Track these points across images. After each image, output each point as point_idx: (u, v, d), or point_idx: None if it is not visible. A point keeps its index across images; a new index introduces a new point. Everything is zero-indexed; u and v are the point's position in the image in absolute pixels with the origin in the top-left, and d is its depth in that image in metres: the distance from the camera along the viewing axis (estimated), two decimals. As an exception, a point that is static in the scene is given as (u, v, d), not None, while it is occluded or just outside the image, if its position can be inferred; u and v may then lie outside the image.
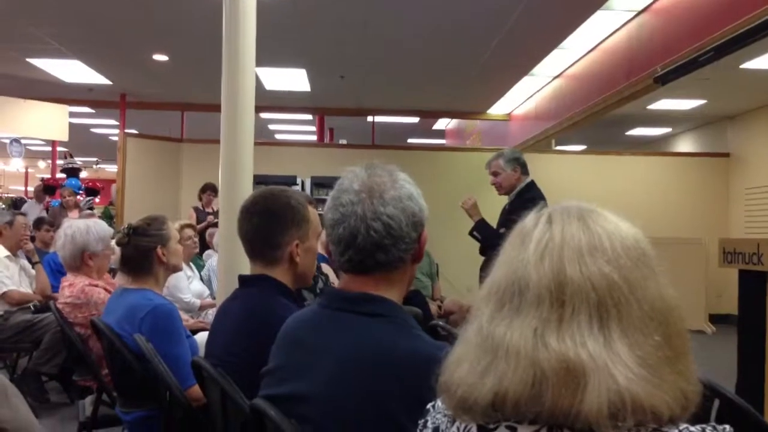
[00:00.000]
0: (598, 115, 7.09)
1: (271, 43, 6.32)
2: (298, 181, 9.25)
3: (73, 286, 2.94)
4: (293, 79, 8.34)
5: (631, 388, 0.72)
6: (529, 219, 0.87)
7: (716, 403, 1.61)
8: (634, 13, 5.88)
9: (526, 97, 9.15)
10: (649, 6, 5.68)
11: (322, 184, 9.08)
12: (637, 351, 0.74)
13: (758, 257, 3.90)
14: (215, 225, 5.60)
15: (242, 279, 1.88)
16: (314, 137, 12.01)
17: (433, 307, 5.85)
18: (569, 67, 7.60)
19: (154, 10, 6.05)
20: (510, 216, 4.04)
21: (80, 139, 13.10)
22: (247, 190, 3.41)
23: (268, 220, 1.82)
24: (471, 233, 4.25)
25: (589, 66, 7.10)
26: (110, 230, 2.99)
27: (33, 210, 8.87)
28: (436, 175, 9.42)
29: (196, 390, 1.95)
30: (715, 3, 4.66)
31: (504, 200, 4.32)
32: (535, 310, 0.77)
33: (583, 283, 0.77)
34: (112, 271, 3.80)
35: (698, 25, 4.83)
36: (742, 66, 6.63)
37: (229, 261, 3.23)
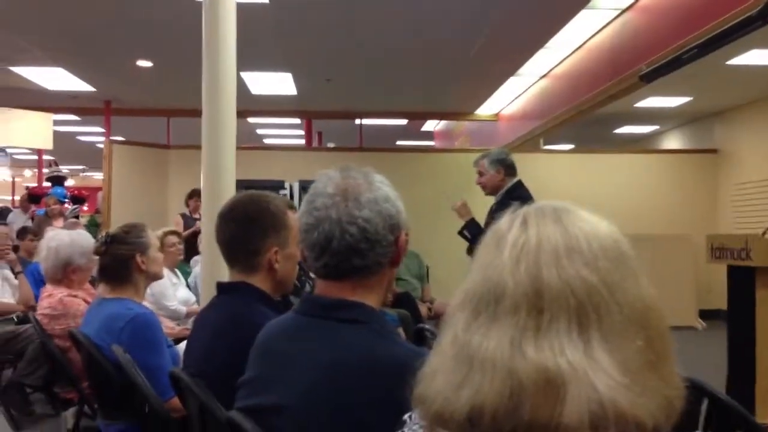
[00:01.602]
0: (585, 114, 7.09)
1: (256, 47, 6.28)
2: (286, 185, 9.20)
3: (51, 296, 2.88)
4: (279, 83, 8.30)
5: (613, 397, 0.68)
6: (504, 221, 0.83)
7: (705, 402, 1.59)
8: (619, 12, 5.88)
9: (513, 97, 9.15)
10: (633, 4, 5.68)
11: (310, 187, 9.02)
12: (618, 357, 0.71)
13: (746, 253, 3.90)
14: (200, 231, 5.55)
15: (220, 286, 1.84)
16: (303, 141, 11.97)
17: (423, 308, 5.83)
18: (555, 66, 7.61)
19: (137, 16, 6.00)
20: (493, 216, 4.03)
21: (66, 147, 13.01)
22: (229, 196, 3.36)
23: (246, 225, 1.78)
24: (461, 232, 4.23)
25: (575, 65, 7.10)
26: (93, 243, 2.94)
27: (18, 219, 8.78)
28: (425, 176, 9.39)
29: (176, 401, 1.91)
30: (698, 1, 4.66)
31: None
32: (512, 318, 0.74)
33: (561, 288, 0.73)
34: (95, 280, 3.74)
35: (682, 22, 4.83)
36: (728, 62, 6.63)
37: (211, 267, 3.18)
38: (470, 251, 4.19)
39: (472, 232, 4.13)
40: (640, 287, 0.77)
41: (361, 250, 1.22)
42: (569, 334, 0.71)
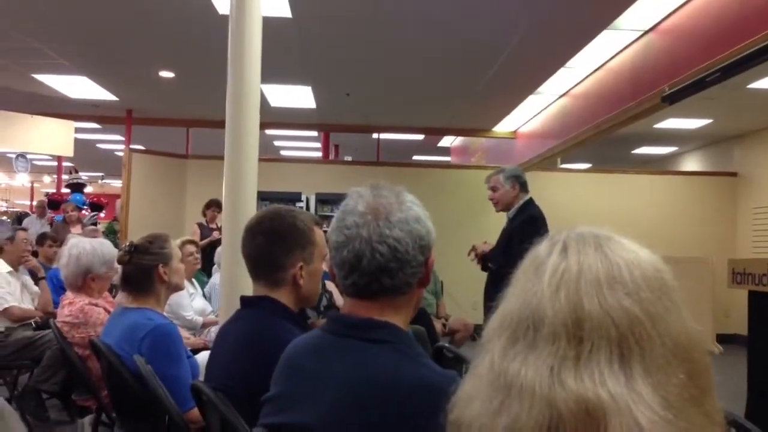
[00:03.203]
0: (604, 134, 7.06)
1: (277, 60, 6.33)
2: (303, 197, 9.23)
3: (72, 304, 2.90)
4: (299, 96, 8.35)
5: (656, 431, 0.67)
6: (543, 247, 0.82)
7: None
8: (640, 33, 5.87)
9: (531, 115, 9.13)
10: (655, 26, 5.67)
11: (327, 200, 9.05)
12: (661, 391, 0.69)
13: (768, 279, 3.86)
14: (219, 241, 5.58)
15: (244, 300, 1.84)
16: (320, 153, 12.02)
17: (438, 325, 5.80)
18: (575, 85, 7.59)
19: (161, 27, 6.07)
20: (512, 234, 4.03)
21: (86, 154, 13.14)
22: (251, 207, 3.39)
23: (273, 240, 1.78)
24: (485, 268, 4.21)
25: (596, 85, 7.09)
26: (115, 252, 2.96)
27: (34, 225, 8.86)
28: (441, 192, 9.40)
29: (195, 413, 1.91)
30: (721, 24, 4.64)
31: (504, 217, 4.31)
32: (551, 347, 0.73)
33: (602, 318, 0.72)
34: (114, 288, 3.76)
35: (705, 45, 4.81)
36: (749, 86, 6.60)
37: (231, 278, 3.20)
38: (485, 268, 4.18)
39: (494, 259, 4.11)
40: (683, 319, 0.76)
41: (390, 269, 1.22)
42: (610, 365, 0.70)
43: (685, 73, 4.98)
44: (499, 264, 4.01)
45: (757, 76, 6.17)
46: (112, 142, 12.91)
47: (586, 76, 7.21)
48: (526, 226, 3.95)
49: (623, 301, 0.73)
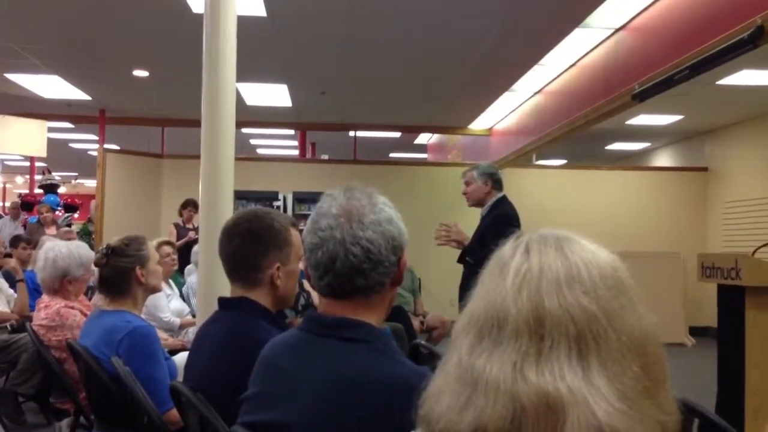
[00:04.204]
0: (578, 130, 7.16)
1: (252, 58, 6.31)
2: (280, 196, 9.22)
3: (48, 307, 2.89)
4: (275, 95, 8.34)
5: (612, 422, 0.71)
6: (507, 248, 0.86)
7: (696, 422, 1.62)
8: (612, 31, 5.96)
9: (507, 112, 9.22)
10: (626, 24, 5.76)
11: (304, 199, 9.05)
12: (617, 384, 0.74)
13: (736, 272, 3.94)
14: (196, 241, 5.56)
15: (222, 301, 1.86)
16: (296, 152, 12.01)
17: (416, 322, 5.85)
18: (549, 83, 7.68)
19: (135, 26, 6.03)
20: (485, 231, 4.11)
21: (59, 153, 12.97)
22: (227, 206, 3.40)
23: (250, 241, 1.80)
24: (462, 260, 4.25)
25: (569, 82, 7.18)
26: (91, 254, 2.95)
27: (7, 227, 8.74)
28: (418, 189, 9.46)
29: (173, 413, 1.93)
30: (690, 22, 4.74)
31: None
32: (515, 344, 0.77)
33: (561, 315, 0.76)
34: (90, 290, 3.75)
35: (674, 43, 4.91)
36: (718, 82, 6.74)
37: (208, 279, 3.20)
38: (461, 260, 4.23)
39: (473, 252, 4.15)
40: (638, 315, 0.80)
41: (364, 270, 1.25)
42: (569, 360, 0.74)
43: (654, 70, 5.07)
44: (477, 258, 4.07)
45: (725, 73, 6.29)
46: (86, 141, 12.76)
47: (560, 74, 7.30)
48: (497, 222, 4.04)
49: (581, 299, 0.77)
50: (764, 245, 4.25)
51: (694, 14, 4.70)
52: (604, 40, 6.17)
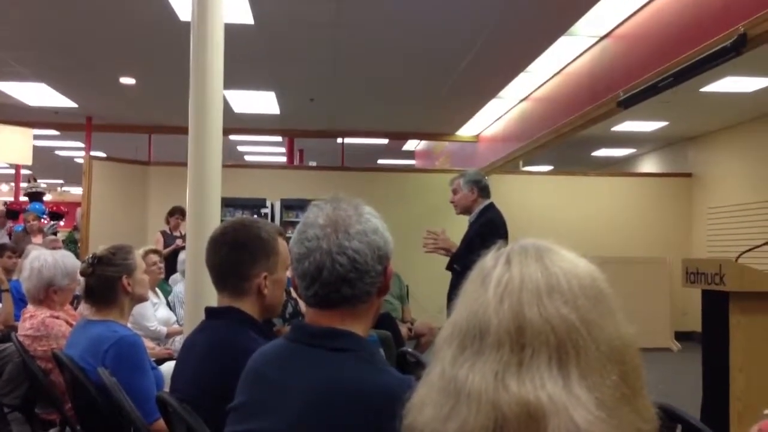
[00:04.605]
0: (564, 137, 7.21)
1: (240, 66, 6.32)
2: (267, 203, 9.21)
3: (34, 317, 2.87)
4: (263, 102, 8.34)
5: (591, 430, 0.72)
6: (489, 259, 0.87)
7: (679, 428, 1.64)
8: (597, 39, 6.02)
9: (494, 119, 9.27)
10: (610, 32, 5.82)
11: (292, 206, 9.05)
12: (596, 392, 0.75)
13: (720, 277, 3.99)
14: (182, 249, 5.55)
15: (209, 311, 1.87)
16: (284, 158, 12.00)
17: (404, 329, 5.85)
18: (535, 90, 7.74)
19: (122, 34, 6.02)
20: (472, 238, 4.13)
21: (44, 161, 12.89)
22: (215, 214, 3.40)
23: (237, 251, 1.81)
24: (450, 267, 4.26)
25: (555, 89, 7.24)
26: (77, 264, 2.93)
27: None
28: (406, 195, 9.48)
29: (160, 424, 1.92)
30: (674, 30, 4.80)
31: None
32: (496, 354, 0.78)
33: (542, 325, 0.78)
34: (76, 299, 3.72)
35: (658, 50, 4.97)
36: (702, 89, 6.81)
37: (196, 287, 3.20)
38: (450, 267, 4.25)
39: (461, 259, 4.17)
40: (617, 324, 0.81)
41: (350, 279, 1.27)
42: (549, 369, 0.76)
43: (639, 78, 5.13)
44: (465, 265, 4.08)
45: (709, 80, 6.37)
46: (72, 149, 12.68)
47: (546, 81, 7.36)
48: (484, 229, 4.07)
49: (561, 309, 0.79)
50: (748, 250, 4.30)
51: (678, 22, 4.76)
52: (589, 48, 6.23)
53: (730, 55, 4.03)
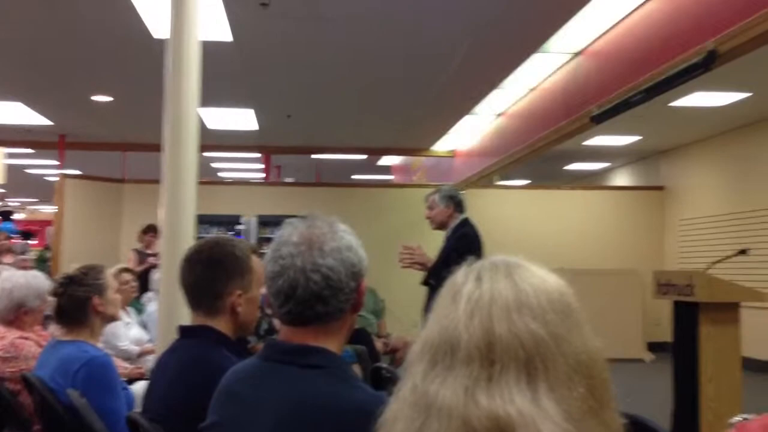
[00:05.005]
0: (539, 152, 7.30)
1: (219, 83, 6.31)
2: (242, 220, 9.16)
3: (3, 339, 2.81)
4: (240, 119, 8.32)
5: None
6: (460, 275, 0.88)
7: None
8: (570, 56, 6.12)
9: (469, 134, 9.35)
10: (583, 50, 5.92)
11: (268, 222, 9.01)
12: (564, 405, 0.76)
13: (691, 289, 4.05)
14: (155, 267, 5.48)
15: (182, 329, 1.85)
16: (260, 175, 11.96)
17: (379, 344, 5.83)
18: (511, 106, 7.83)
19: (95, 52, 5.98)
20: (448, 253, 4.15)
21: (14, 179, 12.70)
22: (189, 232, 3.37)
23: (212, 269, 1.80)
24: (426, 282, 4.25)
25: (529, 105, 7.33)
26: (48, 284, 2.88)
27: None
28: (383, 211, 9.50)
29: (132, 445, 1.89)
30: (645, 47, 4.90)
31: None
32: (466, 369, 0.78)
33: (511, 340, 0.78)
34: (46, 319, 3.65)
35: (630, 67, 5.06)
36: (671, 104, 6.94)
37: (169, 305, 3.16)
38: (425, 282, 4.25)
39: (437, 274, 4.17)
40: (585, 338, 0.82)
41: (324, 297, 1.26)
42: (518, 383, 0.77)
43: (611, 93, 5.22)
44: (440, 280, 4.08)
45: (679, 95, 6.49)
46: (42, 167, 12.51)
47: (521, 97, 7.45)
48: (459, 244, 4.09)
49: (530, 324, 0.80)
50: (717, 262, 4.37)
51: (649, 39, 4.85)
52: (563, 65, 6.33)
53: (699, 70, 4.12)
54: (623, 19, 5.23)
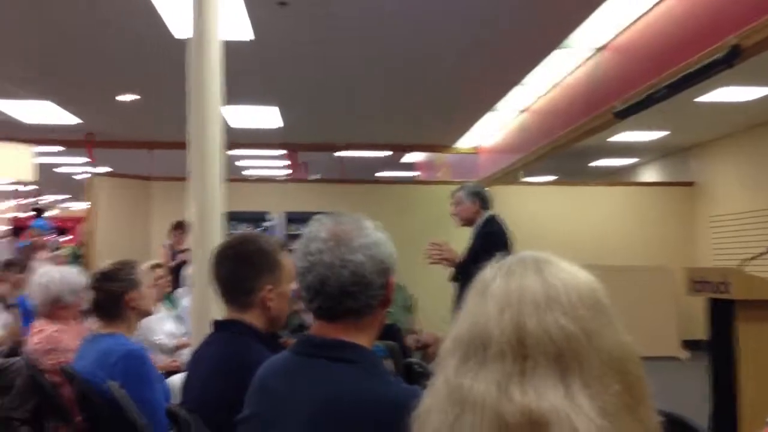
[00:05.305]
0: (562, 148, 7.26)
1: (242, 81, 6.39)
2: (269, 216, 9.25)
3: (42, 332, 2.91)
4: (265, 116, 8.39)
5: None
6: (488, 271, 0.89)
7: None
8: (592, 52, 6.08)
9: (492, 131, 9.33)
10: (605, 45, 5.88)
11: (296, 219, 9.07)
12: (598, 401, 0.76)
13: (726, 286, 3.97)
14: (186, 263, 5.59)
15: (216, 323, 1.90)
16: (286, 172, 12.04)
17: (410, 340, 5.87)
18: (533, 102, 7.80)
19: (121, 51, 6.10)
20: (475, 249, 4.16)
21: (46, 177, 12.94)
22: (217, 228, 3.43)
23: (241, 265, 1.85)
24: (455, 279, 4.26)
25: (552, 101, 7.30)
26: (83, 279, 2.97)
27: (5, 251, 8.70)
28: (409, 207, 9.51)
29: (170, 436, 1.95)
30: (668, 43, 4.85)
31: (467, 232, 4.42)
32: (499, 364, 0.79)
33: (541, 336, 0.79)
34: (84, 313, 3.75)
35: (652, 63, 5.02)
36: (696, 100, 6.85)
37: (202, 300, 3.23)
38: (455, 278, 4.27)
39: (466, 270, 4.18)
40: (617, 334, 0.83)
41: (353, 292, 1.30)
42: (552, 379, 0.77)
43: (634, 89, 5.18)
44: (468, 276, 4.09)
45: (703, 90, 6.40)
46: (73, 165, 12.73)
47: (544, 93, 7.41)
48: (487, 240, 4.09)
49: (560, 319, 0.81)
50: (751, 258, 4.31)
51: (672, 34, 4.81)
52: (585, 60, 6.29)
53: (722, 66, 4.06)
54: (645, 14, 5.18)
